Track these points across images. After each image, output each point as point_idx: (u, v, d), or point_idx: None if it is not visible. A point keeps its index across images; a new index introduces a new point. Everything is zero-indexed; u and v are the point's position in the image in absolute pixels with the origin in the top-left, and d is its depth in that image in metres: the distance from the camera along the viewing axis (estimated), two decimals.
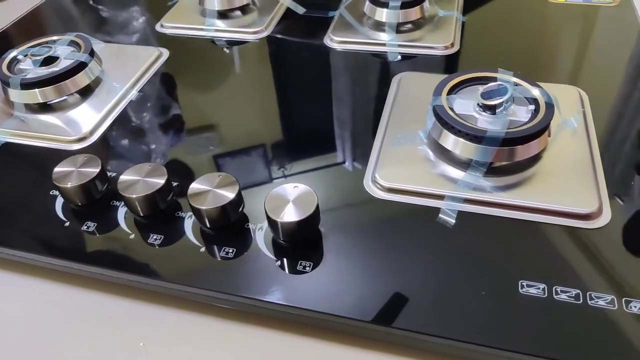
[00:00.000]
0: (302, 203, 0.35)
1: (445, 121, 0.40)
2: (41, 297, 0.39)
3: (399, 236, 0.37)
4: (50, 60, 0.52)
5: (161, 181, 0.38)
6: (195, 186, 0.38)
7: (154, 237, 0.38)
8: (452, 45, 0.55)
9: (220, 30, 0.61)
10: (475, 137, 0.39)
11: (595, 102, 0.48)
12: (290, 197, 0.36)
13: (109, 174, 0.43)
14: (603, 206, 0.38)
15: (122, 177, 0.39)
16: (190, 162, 0.45)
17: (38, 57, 0.51)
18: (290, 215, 0.35)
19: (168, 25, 0.63)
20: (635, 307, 0.32)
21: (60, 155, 0.46)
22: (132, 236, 0.39)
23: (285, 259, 0.36)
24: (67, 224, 0.40)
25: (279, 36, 0.60)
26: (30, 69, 0.52)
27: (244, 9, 0.64)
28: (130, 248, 0.38)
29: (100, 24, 0.66)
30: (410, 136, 0.44)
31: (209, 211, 0.37)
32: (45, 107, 0.51)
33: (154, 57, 0.57)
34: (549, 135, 0.42)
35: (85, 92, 0.52)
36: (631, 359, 0.30)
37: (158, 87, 0.54)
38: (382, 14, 0.58)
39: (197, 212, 0.37)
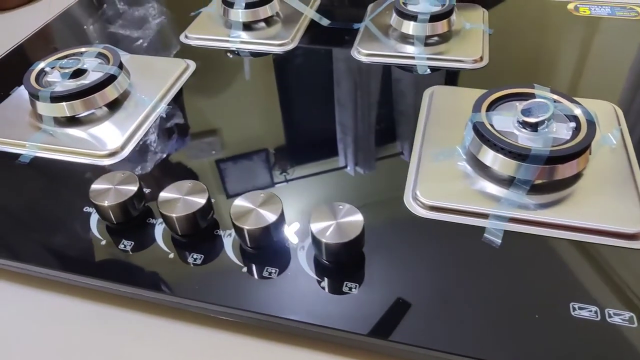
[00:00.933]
0: (347, 224, 0.35)
1: (487, 138, 0.40)
2: (79, 316, 0.38)
3: (445, 257, 0.36)
4: (78, 73, 0.51)
5: (202, 200, 0.37)
6: (238, 204, 0.37)
7: (194, 256, 0.38)
8: (481, 58, 0.55)
9: (245, 42, 0.61)
10: (519, 155, 0.38)
11: (630, 118, 0.47)
12: (335, 216, 0.35)
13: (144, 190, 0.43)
14: None
15: (162, 195, 0.38)
16: (227, 178, 0.44)
17: (67, 70, 0.51)
18: (335, 236, 0.35)
19: (193, 37, 0.63)
20: None
21: (91, 171, 0.45)
22: (172, 255, 0.38)
23: (328, 279, 0.36)
24: (103, 242, 0.39)
25: (305, 48, 0.60)
26: (58, 81, 0.51)
27: (268, 21, 0.64)
28: (170, 267, 0.37)
29: (123, 34, 0.66)
30: (448, 152, 0.43)
31: (252, 231, 0.36)
32: (73, 121, 0.50)
33: (181, 69, 0.56)
34: (590, 153, 0.42)
35: (114, 105, 0.51)
36: None
37: (187, 100, 0.53)
38: (409, 27, 0.58)
39: (239, 232, 0.37)
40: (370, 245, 0.37)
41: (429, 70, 0.54)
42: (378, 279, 0.35)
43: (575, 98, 0.44)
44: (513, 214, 0.38)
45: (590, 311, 0.33)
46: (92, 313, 0.38)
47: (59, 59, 0.53)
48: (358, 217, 0.35)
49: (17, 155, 0.47)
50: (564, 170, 0.39)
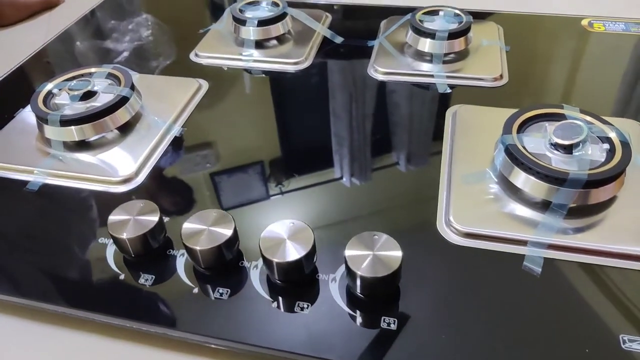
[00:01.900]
0: (384, 257, 0.33)
1: (521, 162, 0.39)
2: (97, 354, 0.36)
3: (485, 289, 0.35)
4: (87, 95, 0.49)
5: (228, 232, 0.36)
6: (268, 235, 0.35)
7: (220, 290, 0.36)
8: (501, 76, 0.54)
9: (258, 60, 0.59)
10: (556, 179, 0.37)
11: None
12: (372, 247, 0.34)
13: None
14: None
15: (186, 226, 0.36)
16: (252, 206, 0.42)
17: (76, 92, 0.49)
18: (370, 269, 0.33)
19: (203, 55, 0.61)
20: None
21: (105, 198, 0.43)
22: (195, 290, 0.36)
23: (363, 314, 0.34)
24: (121, 276, 0.37)
25: (320, 67, 0.59)
26: (67, 103, 0.49)
27: (281, 39, 0.62)
28: (194, 303, 0.35)
29: (129, 53, 0.64)
30: (479, 175, 0.42)
31: (281, 264, 0.34)
32: (83, 145, 0.48)
33: (193, 89, 0.54)
34: (624, 175, 0.40)
35: (125, 128, 0.49)
36: None
37: (202, 121, 0.52)
38: (426, 44, 0.57)
39: (268, 264, 0.35)
40: (405, 275, 0.36)
41: (448, 88, 0.53)
42: (416, 313, 0.34)
43: (599, 116, 0.43)
44: (552, 241, 0.37)
45: None
46: (110, 350, 0.36)
47: (67, 80, 0.51)
48: (396, 251, 0.33)
49: (25, 182, 0.45)
50: (601, 194, 0.38)
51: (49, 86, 0.51)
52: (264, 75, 0.58)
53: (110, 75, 0.52)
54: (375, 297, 0.34)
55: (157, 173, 0.46)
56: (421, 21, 0.58)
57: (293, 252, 0.34)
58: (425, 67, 0.56)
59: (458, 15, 0.58)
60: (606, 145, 0.40)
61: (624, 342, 0.32)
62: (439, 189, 0.42)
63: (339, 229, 0.40)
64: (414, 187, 0.43)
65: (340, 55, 0.61)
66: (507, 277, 0.35)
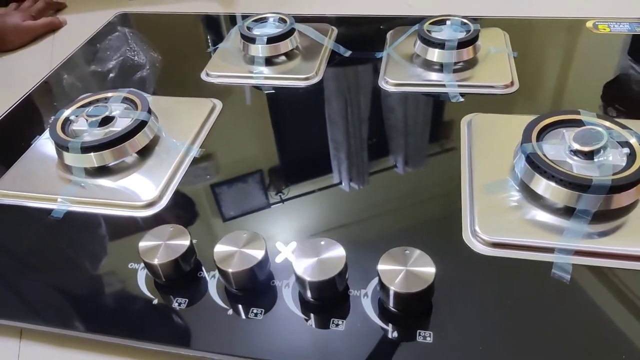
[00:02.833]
0: (418, 273, 0.33)
1: (543, 170, 0.39)
2: None
3: (516, 298, 0.35)
4: (105, 120, 0.50)
5: (260, 253, 0.36)
6: (300, 257, 0.35)
7: (254, 310, 0.36)
8: (512, 83, 0.55)
9: (269, 77, 0.60)
10: (580, 185, 0.38)
11: None
12: (404, 263, 0.34)
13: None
14: None
15: (218, 248, 0.36)
16: (278, 224, 0.43)
17: (94, 118, 0.49)
18: (404, 285, 0.33)
19: (214, 74, 0.61)
20: None
21: (131, 223, 0.44)
22: (230, 312, 0.36)
23: (398, 328, 0.34)
24: (155, 301, 0.37)
25: (331, 81, 0.59)
26: (85, 129, 0.49)
27: (289, 55, 0.63)
28: (230, 324, 0.36)
29: (139, 76, 0.65)
30: (500, 184, 0.42)
31: (314, 283, 0.34)
32: (103, 170, 0.48)
33: (208, 110, 0.55)
34: None
35: (145, 152, 0.50)
36: None
37: (220, 141, 0.52)
38: (434, 54, 0.57)
39: (301, 283, 0.35)
40: (436, 287, 0.36)
41: (461, 98, 0.54)
42: (451, 325, 0.34)
43: (616, 120, 0.43)
44: (578, 247, 0.37)
45: None
46: None
47: (83, 106, 0.52)
48: (430, 267, 0.33)
49: (49, 211, 0.45)
50: (624, 199, 0.38)
51: (66, 113, 0.51)
52: (276, 92, 0.59)
53: (125, 100, 0.52)
54: (409, 311, 0.35)
55: (180, 195, 0.46)
56: (429, 31, 0.58)
57: (325, 271, 0.34)
58: (436, 76, 0.57)
59: (465, 24, 0.59)
60: (626, 150, 0.41)
61: None
62: (461, 199, 0.42)
63: (371, 244, 0.40)
64: (436, 198, 0.44)
65: (349, 69, 0.61)
66: (537, 286, 0.36)
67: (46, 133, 0.53)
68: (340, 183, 0.46)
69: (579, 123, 0.43)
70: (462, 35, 0.57)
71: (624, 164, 0.40)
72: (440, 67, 0.57)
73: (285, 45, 0.62)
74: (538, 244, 0.38)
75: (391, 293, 0.33)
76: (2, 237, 0.44)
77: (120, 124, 0.49)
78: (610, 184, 0.37)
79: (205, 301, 0.37)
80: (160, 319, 0.36)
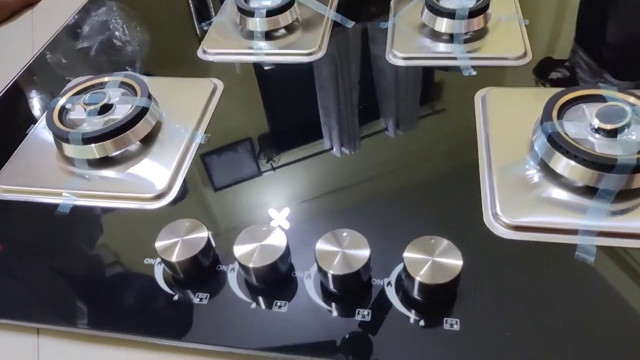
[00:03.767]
0: (444, 264, 0.33)
1: (566, 150, 0.38)
2: None
3: (540, 281, 0.35)
4: (103, 108, 0.47)
5: (282, 246, 0.35)
6: (323, 247, 0.35)
7: (278, 303, 0.36)
8: (525, 54, 0.53)
9: (270, 53, 0.57)
10: (604, 165, 0.37)
11: None
12: (431, 253, 0.33)
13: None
14: None
15: (238, 245, 0.35)
16: (300, 222, 0.42)
17: (93, 107, 0.47)
18: (429, 275, 0.33)
19: (211, 52, 0.59)
20: None
21: (141, 216, 0.42)
22: (253, 305, 0.36)
23: (424, 316, 0.34)
24: (175, 297, 0.37)
25: (336, 56, 0.57)
26: (84, 118, 0.47)
27: (289, 28, 0.60)
28: (253, 318, 0.35)
29: (131, 56, 0.61)
30: (519, 164, 0.41)
31: (336, 276, 0.34)
32: (107, 161, 0.46)
33: (209, 91, 0.53)
34: None
35: (148, 140, 0.48)
36: None
37: (224, 125, 0.50)
38: (443, 24, 0.55)
39: (324, 274, 0.34)
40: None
41: (473, 71, 0.52)
42: (477, 312, 0.34)
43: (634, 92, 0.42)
44: (602, 227, 0.37)
45: None
46: None
47: (78, 92, 0.49)
48: (457, 260, 0.33)
49: (55, 206, 0.44)
50: None
51: (62, 101, 0.48)
52: (279, 69, 0.56)
53: (123, 84, 0.50)
54: (435, 301, 0.34)
55: (190, 184, 0.44)
56: (437, 0, 0.56)
57: (349, 264, 0.34)
58: (445, 48, 0.55)
59: None
60: None
61: None
62: (479, 180, 0.42)
63: (395, 229, 0.40)
64: (453, 180, 0.43)
65: (354, 41, 0.59)
66: (561, 269, 0.35)
67: (42, 122, 0.51)
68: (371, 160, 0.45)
69: (599, 98, 0.42)
70: (471, 3, 0.55)
71: None
72: (450, 38, 0.55)
73: (285, 18, 0.59)
74: (561, 225, 0.37)
75: (416, 284, 0.33)
76: (10, 235, 0.42)
77: (120, 112, 0.47)
78: (636, 163, 0.36)
79: (226, 295, 0.36)
80: (182, 315, 0.36)
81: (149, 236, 0.38)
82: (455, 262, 0.33)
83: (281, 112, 0.53)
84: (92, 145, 0.45)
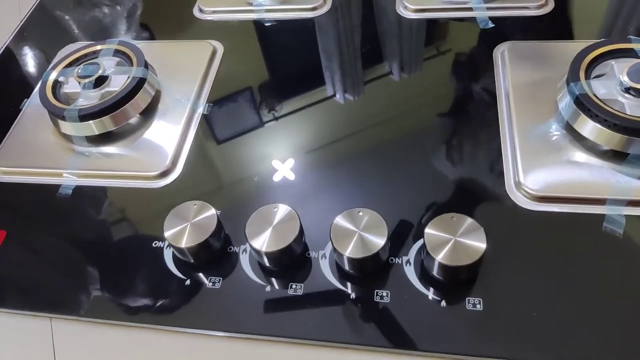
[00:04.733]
0: (467, 245, 0.31)
1: (595, 113, 0.36)
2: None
3: (566, 257, 0.33)
4: (98, 79, 0.44)
5: (295, 228, 0.34)
6: (340, 224, 0.33)
7: (293, 286, 0.35)
8: (547, 1, 0.49)
9: (271, 9, 0.53)
10: (636, 130, 0.34)
11: None
12: (455, 231, 0.32)
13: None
14: None
15: (249, 226, 0.34)
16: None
17: (87, 80, 0.44)
18: (448, 257, 0.31)
19: (208, 10, 0.55)
20: None
21: (147, 196, 0.41)
22: (268, 288, 0.35)
23: (445, 296, 0.33)
24: (187, 282, 0.36)
25: (342, 9, 0.53)
26: (78, 92, 0.44)
27: None
28: (268, 301, 0.34)
29: (122, 18, 0.57)
30: (544, 129, 0.39)
31: (352, 259, 0.32)
32: (108, 136, 0.44)
33: (208, 55, 0.49)
34: None
35: (148, 112, 0.45)
36: None
37: (229, 93, 0.47)
38: None
39: (340, 257, 0.33)
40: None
41: (490, 23, 0.48)
42: (500, 290, 0.33)
43: None
44: (632, 197, 0.35)
45: None
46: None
47: (71, 63, 0.46)
48: (480, 242, 0.31)
49: (57, 187, 0.42)
50: None
51: (54, 74, 0.45)
52: (282, 27, 0.53)
53: (117, 53, 0.47)
54: (455, 281, 0.33)
55: (195, 160, 0.42)
56: None
57: (367, 246, 0.32)
58: None
59: None
60: None
61: None
62: (501, 145, 0.39)
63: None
64: (473, 143, 0.40)
65: None
66: (589, 242, 0.34)
67: (36, 96, 0.48)
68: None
69: (631, 53, 0.39)
70: None
71: None
72: None
73: None
74: (588, 195, 0.35)
75: (437, 264, 0.32)
76: (12, 220, 0.41)
77: (117, 83, 0.44)
78: None
79: (239, 278, 0.35)
80: (198, 301, 0.35)
81: (156, 217, 0.37)
82: (478, 244, 0.31)
83: (286, 74, 0.50)
84: (91, 121, 0.43)
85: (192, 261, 0.36)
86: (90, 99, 0.44)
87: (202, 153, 0.43)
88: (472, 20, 0.49)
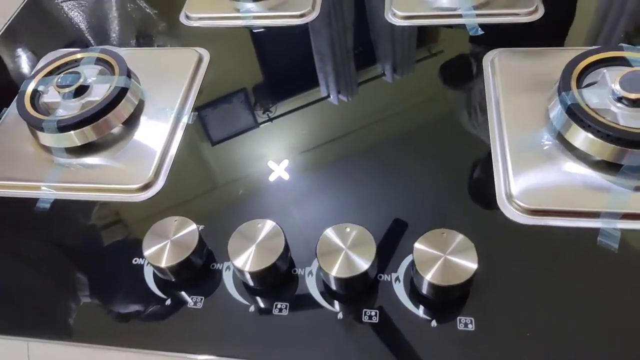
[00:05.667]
0: (457, 264, 0.30)
1: (587, 124, 0.35)
2: None
3: (560, 273, 0.32)
4: (79, 89, 0.43)
5: (280, 245, 0.32)
6: (323, 243, 0.32)
7: (278, 305, 0.33)
8: (536, 8, 0.48)
9: (259, 16, 0.52)
10: (630, 142, 0.34)
11: None
12: (445, 249, 0.31)
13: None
14: None
15: (232, 244, 0.33)
16: (300, 215, 0.39)
17: (67, 89, 0.42)
18: (438, 276, 0.30)
19: (194, 16, 0.53)
20: None
21: (128, 210, 0.40)
22: (252, 308, 0.34)
23: (436, 315, 0.32)
24: (168, 301, 0.34)
25: (330, 16, 0.52)
26: (58, 102, 0.43)
27: None
28: (253, 322, 0.33)
29: (105, 25, 0.56)
30: (536, 139, 0.38)
31: (339, 279, 0.31)
32: (89, 147, 0.43)
33: (194, 62, 0.48)
34: None
35: (130, 122, 0.44)
36: None
37: (212, 101, 0.46)
38: None
39: (326, 275, 0.32)
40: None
41: (480, 30, 0.47)
42: (493, 308, 0.31)
43: None
44: (626, 209, 0.34)
45: None
46: None
47: (51, 72, 0.45)
48: (471, 260, 0.30)
49: (34, 200, 0.40)
50: None
51: (33, 84, 0.44)
52: (269, 34, 0.51)
53: (99, 61, 0.45)
54: (445, 300, 0.32)
55: (178, 172, 0.41)
56: None
57: (354, 266, 0.31)
58: (448, 2, 0.50)
59: None
60: None
61: None
62: (491, 156, 0.38)
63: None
64: (465, 156, 0.39)
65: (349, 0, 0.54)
66: (584, 257, 0.33)
67: (15, 106, 0.47)
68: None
69: (621, 61, 0.38)
70: None
71: None
72: None
73: None
74: (581, 208, 0.34)
75: (426, 284, 0.31)
76: None
77: (98, 93, 0.43)
78: None
79: (223, 298, 0.34)
80: (178, 323, 0.34)
81: (137, 233, 0.36)
82: (469, 264, 0.30)
83: (275, 79, 0.49)
84: (71, 132, 0.41)
85: (173, 279, 0.34)
86: (70, 109, 0.43)
87: (185, 164, 0.42)
88: (462, 26, 0.48)
